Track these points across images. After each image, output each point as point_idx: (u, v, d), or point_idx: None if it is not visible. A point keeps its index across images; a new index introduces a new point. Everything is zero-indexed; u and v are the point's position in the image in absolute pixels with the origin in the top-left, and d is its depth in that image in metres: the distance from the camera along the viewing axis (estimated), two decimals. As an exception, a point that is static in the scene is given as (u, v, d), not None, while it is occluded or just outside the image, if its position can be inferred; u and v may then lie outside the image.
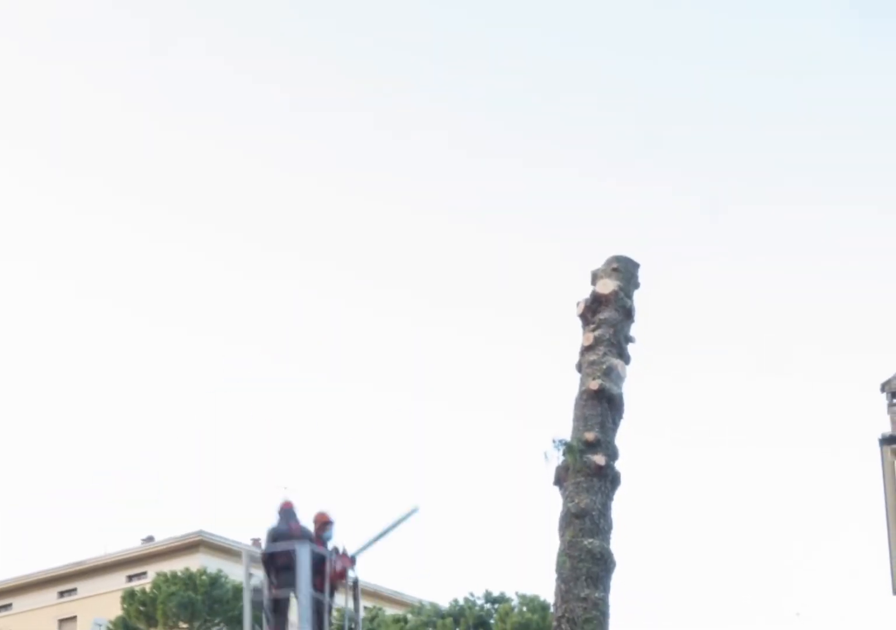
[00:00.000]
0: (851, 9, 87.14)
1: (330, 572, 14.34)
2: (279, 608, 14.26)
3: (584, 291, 13.32)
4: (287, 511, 14.83)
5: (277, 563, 14.27)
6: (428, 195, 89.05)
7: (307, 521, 15.00)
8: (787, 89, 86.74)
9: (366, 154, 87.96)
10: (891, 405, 33.11)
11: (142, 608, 36.54)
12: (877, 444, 32.43)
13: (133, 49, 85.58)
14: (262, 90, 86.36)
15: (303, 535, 14.57)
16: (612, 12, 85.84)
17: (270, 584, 14.28)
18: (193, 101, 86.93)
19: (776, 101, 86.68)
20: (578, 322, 13.21)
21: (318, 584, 14.33)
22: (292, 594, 14.22)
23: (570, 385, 13.13)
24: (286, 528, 14.61)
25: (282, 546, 14.27)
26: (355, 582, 14.82)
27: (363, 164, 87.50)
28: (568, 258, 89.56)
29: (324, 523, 14.87)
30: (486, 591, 38.22)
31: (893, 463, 32.17)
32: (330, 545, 14.74)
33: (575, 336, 13.23)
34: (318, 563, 14.46)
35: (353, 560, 14.68)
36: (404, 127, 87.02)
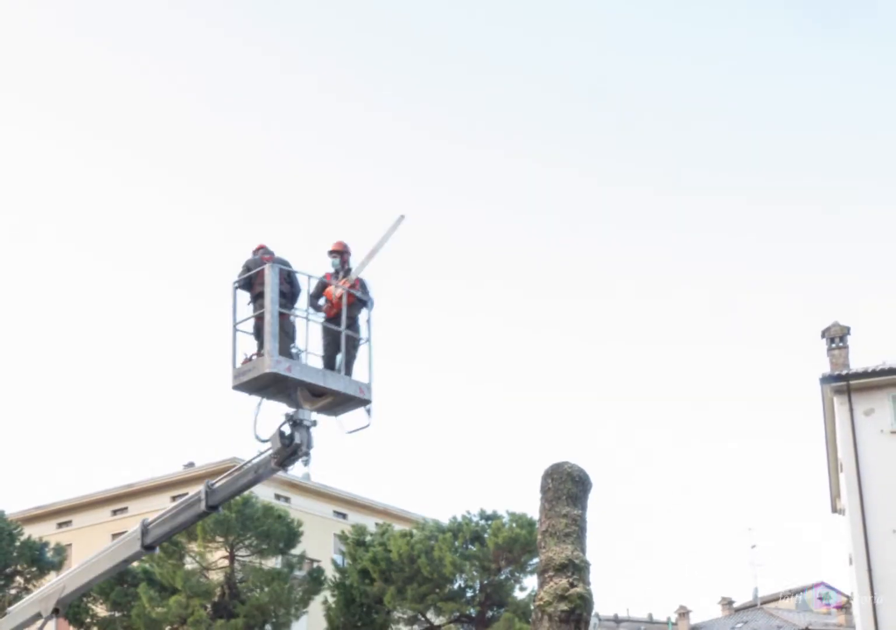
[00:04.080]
0: (805, 18, 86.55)
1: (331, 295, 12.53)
2: (262, 332, 12.31)
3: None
4: (260, 249, 13.00)
5: (255, 290, 12.52)
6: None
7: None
8: (750, 88, 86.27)
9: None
10: (830, 349, 33.24)
11: (184, 524, 36.72)
12: (818, 383, 32.59)
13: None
14: (289, 80, 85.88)
15: (275, 261, 12.69)
16: (606, 19, 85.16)
17: (254, 308, 12.53)
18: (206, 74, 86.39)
19: (743, 99, 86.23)
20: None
21: (327, 312, 12.75)
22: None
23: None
24: (258, 258, 12.83)
25: (256, 270, 12.52)
26: (367, 302, 12.83)
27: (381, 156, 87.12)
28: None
29: (343, 255, 13.10)
30: (481, 509, 38.42)
31: (832, 399, 32.31)
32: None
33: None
34: (321, 289, 12.87)
35: (357, 281, 12.87)
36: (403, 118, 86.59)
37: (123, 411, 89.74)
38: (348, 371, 12.74)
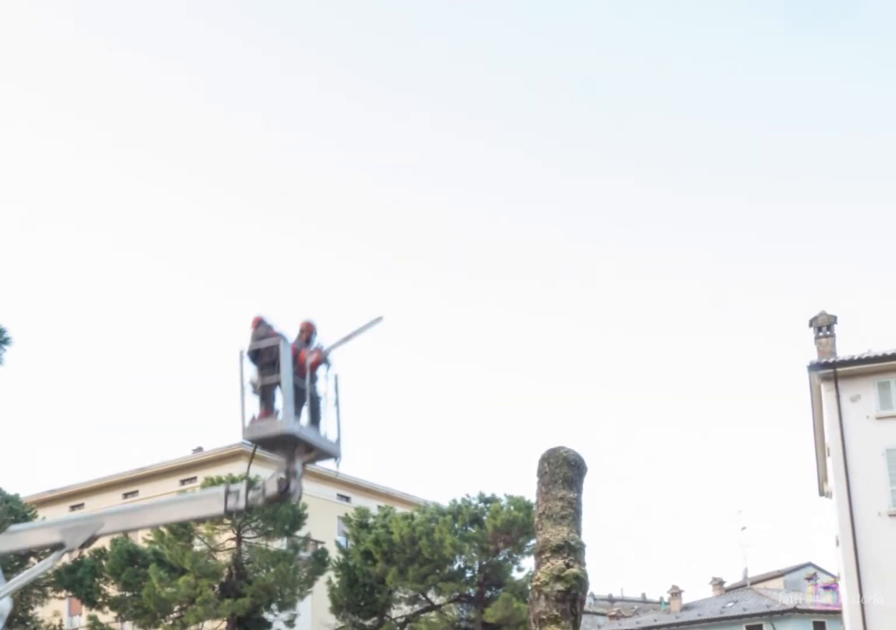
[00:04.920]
0: (805, 18, 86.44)
1: (306, 361, 14.08)
2: (267, 395, 13.90)
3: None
4: (259, 323, 14.34)
5: (263, 360, 13.89)
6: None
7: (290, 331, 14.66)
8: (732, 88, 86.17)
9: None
10: (817, 338, 33.31)
11: (192, 507, 36.82)
12: (806, 370, 32.66)
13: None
14: (290, 79, 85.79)
15: (279, 336, 14.17)
16: (605, 19, 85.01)
17: (259, 375, 13.96)
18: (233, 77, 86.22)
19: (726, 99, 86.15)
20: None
21: (298, 374, 14.14)
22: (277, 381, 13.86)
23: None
24: (266, 333, 14.17)
25: (266, 342, 13.88)
26: (334, 375, 14.43)
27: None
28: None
29: (311, 332, 14.64)
30: (480, 492, 38.55)
31: (820, 386, 32.39)
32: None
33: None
34: (297, 358, 14.25)
35: (324, 354, 14.39)
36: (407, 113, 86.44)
37: (134, 397, 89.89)
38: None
